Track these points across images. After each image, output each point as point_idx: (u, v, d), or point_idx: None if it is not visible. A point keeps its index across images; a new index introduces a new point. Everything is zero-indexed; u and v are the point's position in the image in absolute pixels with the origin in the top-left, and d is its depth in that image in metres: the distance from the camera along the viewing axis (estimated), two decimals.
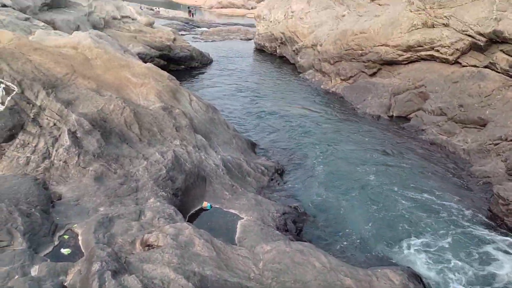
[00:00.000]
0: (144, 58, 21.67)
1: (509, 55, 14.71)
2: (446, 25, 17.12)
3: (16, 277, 4.94)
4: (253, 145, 13.79)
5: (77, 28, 19.29)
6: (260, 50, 35.63)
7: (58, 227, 6.46)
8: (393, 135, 16.02)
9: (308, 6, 29.45)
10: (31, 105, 8.53)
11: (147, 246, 6.15)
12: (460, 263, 8.42)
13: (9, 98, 8.26)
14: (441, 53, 17.35)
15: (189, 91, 13.25)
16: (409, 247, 8.96)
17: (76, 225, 6.55)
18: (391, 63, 19.84)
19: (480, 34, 15.56)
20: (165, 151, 9.32)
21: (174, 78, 12.75)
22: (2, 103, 8.15)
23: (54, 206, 6.98)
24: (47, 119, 8.54)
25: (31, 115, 8.42)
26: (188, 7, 66.78)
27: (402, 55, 19.10)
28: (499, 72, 15.03)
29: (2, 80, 8.36)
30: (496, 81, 14.79)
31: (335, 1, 28.31)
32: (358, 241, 9.17)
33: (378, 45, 20.03)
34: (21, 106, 8.37)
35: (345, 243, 9.06)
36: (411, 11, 18.92)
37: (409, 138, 15.74)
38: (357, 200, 10.85)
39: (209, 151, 10.81)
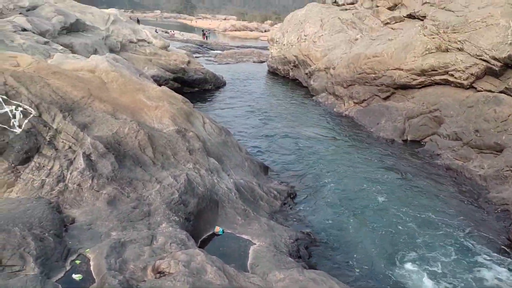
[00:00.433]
0: (158, 80, 21.99)
1: None
2: (460, 50, 17.00)
3: None
4: (265, 168, 13.71)
5: (95, 52, 19.74)
6: (273, 73, 35.94)
7: (70, 251, 6.43)
8: (407, 160, 15.81)
9: (321, 30, 29.73)
10: (47, 128, 8.63)
11: (159, 273, 6.07)
12: None
13: (26, 121, 8.39)
14: (455, 77, 17.17)
15: (202, 113, 13.33)
16: (424, 275, 8.71)
17: (88, 249, 6.52)
18: (405, 87, 19.71)
19: (495, 59, 15.45)
20: (178, 175, 9.29)
21: (188, 100, 12.85)
22: (19, 126, 8.27)
23: (67, 230, 6.96)
24: (62, 142, 8.62)
25: (47, 138, 8.51)
26: (203, 30, 68.21)
27: (416, 79, 18.98)
28: None
29: (20, 104, 8.51)
30: None
31: (348, 24, 28.51)
32: (371, 267, 8.94)
33: (392, 69, 19.97)
34: (38, 129, 8.48)
35: (357, 270, 8.85)
36: (424, 35, 18.88)
37: (424, 162, 15.51)
38: (370, 225, 10.65)
39: (222, 174, 10.77)
